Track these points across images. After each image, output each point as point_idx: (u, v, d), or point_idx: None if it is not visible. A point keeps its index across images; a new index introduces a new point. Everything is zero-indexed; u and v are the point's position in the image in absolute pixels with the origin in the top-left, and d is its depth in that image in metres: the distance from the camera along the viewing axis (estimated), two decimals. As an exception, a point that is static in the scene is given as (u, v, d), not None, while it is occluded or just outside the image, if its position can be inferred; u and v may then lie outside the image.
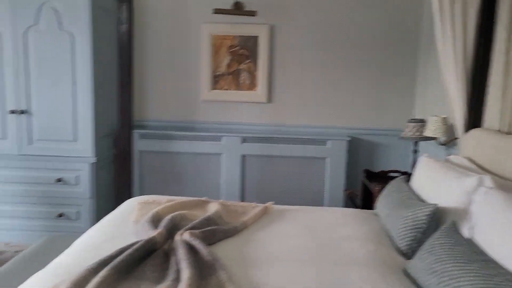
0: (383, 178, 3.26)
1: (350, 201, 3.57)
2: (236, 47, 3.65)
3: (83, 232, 2.15)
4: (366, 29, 3.62)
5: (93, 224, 3.23)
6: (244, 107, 3.76)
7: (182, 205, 2.27)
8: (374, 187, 3.01)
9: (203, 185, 3.68)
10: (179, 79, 3.76)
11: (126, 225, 2.10)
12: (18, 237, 3.36)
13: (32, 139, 3.27)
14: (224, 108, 3.77)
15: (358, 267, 1.64)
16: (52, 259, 1.94)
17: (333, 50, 3.66)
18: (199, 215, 2.14)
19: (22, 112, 3.22)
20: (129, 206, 2.39)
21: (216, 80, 3.70)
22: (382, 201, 2.26)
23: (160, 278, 1.53)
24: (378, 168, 3.69)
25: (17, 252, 3.17)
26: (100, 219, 3.24)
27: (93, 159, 3.28)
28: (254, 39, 3.62)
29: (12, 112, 3.22)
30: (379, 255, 1.76)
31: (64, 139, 3.27)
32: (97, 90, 3.27)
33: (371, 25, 3.61)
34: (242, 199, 3.68)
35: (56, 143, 3.27)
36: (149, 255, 1.67)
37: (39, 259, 2.10)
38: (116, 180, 3.68)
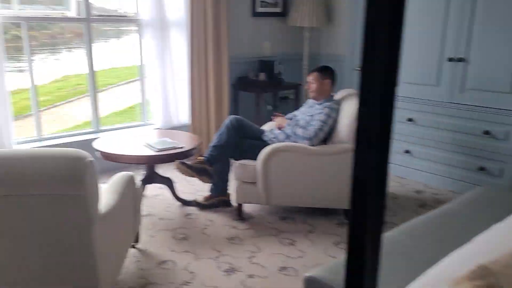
0: None
1: None
2: None
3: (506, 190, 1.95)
4: None
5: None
6: None
7: None
8: None
9: None
10: None
11: None
12: (434, 180, 3.53)
13: (464, 88, 3.25)
14: None
15: None
16: (489, 211, 1.87)
17: None
18: None
19: (460, 59, 3.22)
20: None
21: None
22: None
23: None
24: None
25: (434, 194, 3.34)
26: None
27: (530, 115, 2.93)
28: None
29: (450, 59, 3.27)
30: None
31: (499, 90, 3.06)
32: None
33: None
34: None
35: (489, 94, 3.12)
36: None
37: (477, 208, 2.07)
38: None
